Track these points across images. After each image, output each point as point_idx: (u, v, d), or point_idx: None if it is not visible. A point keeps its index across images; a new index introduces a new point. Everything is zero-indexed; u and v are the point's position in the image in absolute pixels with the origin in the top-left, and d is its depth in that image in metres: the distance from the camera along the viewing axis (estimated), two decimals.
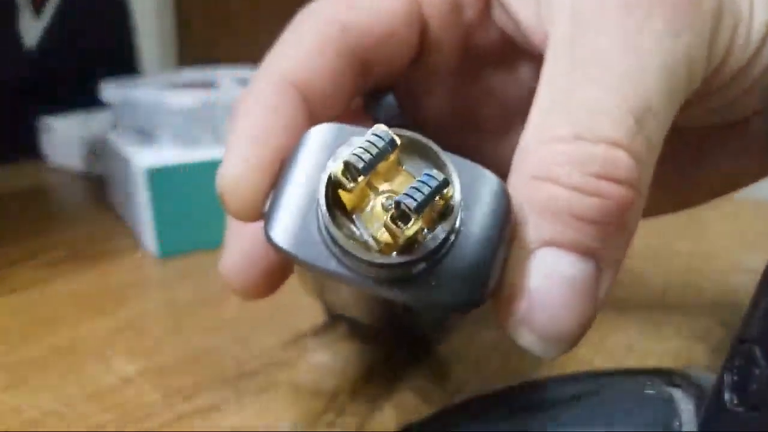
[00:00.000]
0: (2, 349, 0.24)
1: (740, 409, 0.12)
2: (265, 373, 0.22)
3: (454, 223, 0.13)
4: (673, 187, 0.20)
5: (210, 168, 0.33)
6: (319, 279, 0.19)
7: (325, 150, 0.14)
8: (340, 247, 0.13)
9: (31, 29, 0.50)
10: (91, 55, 0.53)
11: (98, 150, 0.44)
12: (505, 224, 0.14)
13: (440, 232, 0.13)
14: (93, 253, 0.33)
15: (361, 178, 0.13)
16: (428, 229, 0.13)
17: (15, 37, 0.49)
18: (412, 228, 0.12)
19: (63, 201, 0.44)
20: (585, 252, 0.14)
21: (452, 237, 0.13)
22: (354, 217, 0.13)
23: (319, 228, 0.13)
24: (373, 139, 0.13)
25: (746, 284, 0.29)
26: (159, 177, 0.32)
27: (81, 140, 0.46)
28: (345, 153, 0.13)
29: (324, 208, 0.13)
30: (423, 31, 0.18)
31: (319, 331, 0.25)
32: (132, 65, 0.58)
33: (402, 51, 0.18)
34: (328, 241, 0.13)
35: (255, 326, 0.25)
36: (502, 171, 0.15)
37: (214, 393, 0.21)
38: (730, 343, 0.12)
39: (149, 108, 0.35)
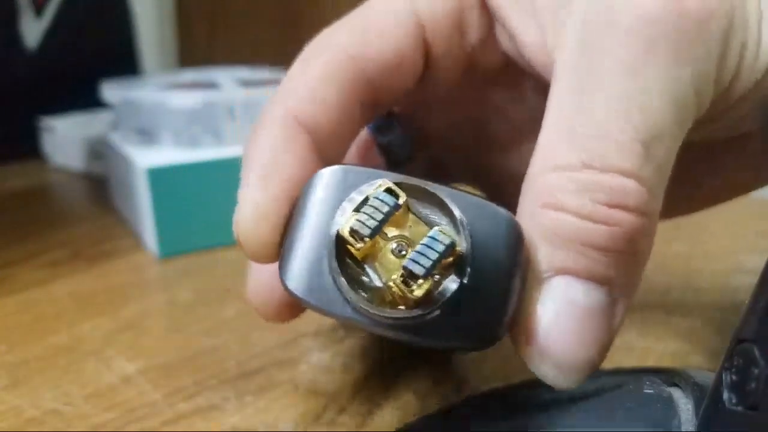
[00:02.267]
0: (3, 349, 0.24)
1: (739, 408, 0.12)
2: (265, 372, 0.22)
3: (465, 272, 0.13)
4: (675, 195, 0.20)
5: (210, 168, 0.33)
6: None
7: (333, 196, 0.14)
8: (353, 302, 0.13)
9: (32, 29, 0.50)
10: (92, 55, 0.53)
11: (99, 150, 0.44)
12: (518, 259, 0.14)
13: (452, 281, 0.13)
14: (94, 253, 0.33)
15: (367, 240, 0.13)
16: (440, 276, 0.13)
17: (16, 38, 0.49)
18: (422, 288, 0.13)
19: (64, 201, 0.44)
20: (597, 279, 0.14)
21: (465, 282, 0.13)
22: (365, 266, 0.13)
23: (331, 275, 0.14)
24: (377, 203, 0.13)
25: (746, 285, 0.29)
26: (160, 177, 0.32)
27: (82, 140, 0.46)
28: (350, 213, 0.13)
29: (335, 263, 0.13)
30: (427, 53, 0.18)
31: (319, 331, 0.25)
32: (133, 65, 0.58)
33: (408, 75, 0.18)
34: (341, 290, 0.13)
35: (255, 326, 0.25)
36: (511, 185, 0.15)
37: (214, 392, 0.21)
38: (729, 342, 0.12)
39: (150, 108, 0.35)
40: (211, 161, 0.33)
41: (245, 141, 0.17)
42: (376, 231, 0.13)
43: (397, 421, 0.20)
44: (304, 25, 0.58)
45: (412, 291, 0.13)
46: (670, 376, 0.15)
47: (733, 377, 0.12)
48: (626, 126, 0.14)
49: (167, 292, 0.30)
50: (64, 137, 0.48)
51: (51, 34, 0.51)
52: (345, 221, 0.13)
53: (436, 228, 0.13)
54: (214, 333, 0.25)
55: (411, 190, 0.14)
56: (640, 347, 0.24)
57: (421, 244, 0.13)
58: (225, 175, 0.33)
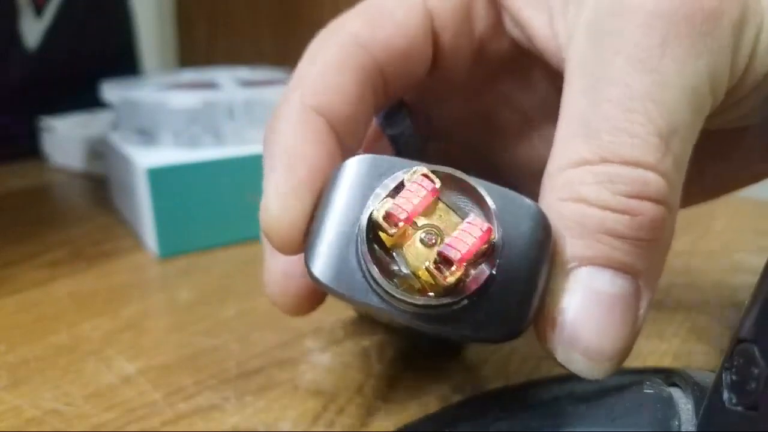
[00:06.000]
0: (3, 349, 0.24)
1: (739, 408, 0.12)
2: (265, 372, 0.22)
3: (495, 262, 0.13)
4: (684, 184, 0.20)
5: (210, 168, 0.33)
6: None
7: (362, 184, 0.14)
8: (383, 288, 0.13)
9: (33, 30, 0.50)
10: (92, 55, 0.53)
11: (99, 150, 0.45)
12: (545, 250, 0.14)
13: (483, 270, 0.13)
14: (94, 253, 0.33)
15: (401, 224, 0.13)
16: (469, 266, 0.13)
17: (16, 38, 0.49)
18: (454, 275, 0.13)
19: (64, 201, 0.44)
20: (621, 268, 0.14)
21: (494, 272, 0.13)
22: (394, 253, 0.13)
23: (359, 263, 0.13)
24: (414, 188, 0.13)
25: (746, 284, 0.29)
26: (160, 177, 0.32)
27: (82, 140, 0.46)
28: (384, 199, 0.13)
29: (365, 249, 0.13)
30: (436, 42, 0.18)
31: (319, 331, 0.25)
32: (133, 65, 0.58)
33: (418, 64, 0.18)
34: (369, 278, 0.13)
35: (255, 326, 0.25)
36: (521, 174, 0.15)
37: (214, 392, 0.21)
38: (729, 342, 0.12)
39: (150, 108, 0.35)
40: (211, 161, 0.33)
41: (264, 130, 0.17)
42: (413, 215, 0.13)
43: (397, 422, 0.20)
44: (304, 25, 0.58)
45: (445, 277, 0.13)
46: (670, 376, 0.15)
47: (733, 377, 0.12)
48: (642, 120, 0.14)
49: (167, 292, 0.30)
50: (64, 137, 0.48)
51: (51, 34, 0.51)
52: (379, 206, 0.13)
53: (472, 214, 0.13)
54: (214, 333, 0.25)
55: (442, 179, 0.14)
56: (641, 347, 0.24)
57: (460, 230, 0.13)
58: (225, 175, 0.33)
